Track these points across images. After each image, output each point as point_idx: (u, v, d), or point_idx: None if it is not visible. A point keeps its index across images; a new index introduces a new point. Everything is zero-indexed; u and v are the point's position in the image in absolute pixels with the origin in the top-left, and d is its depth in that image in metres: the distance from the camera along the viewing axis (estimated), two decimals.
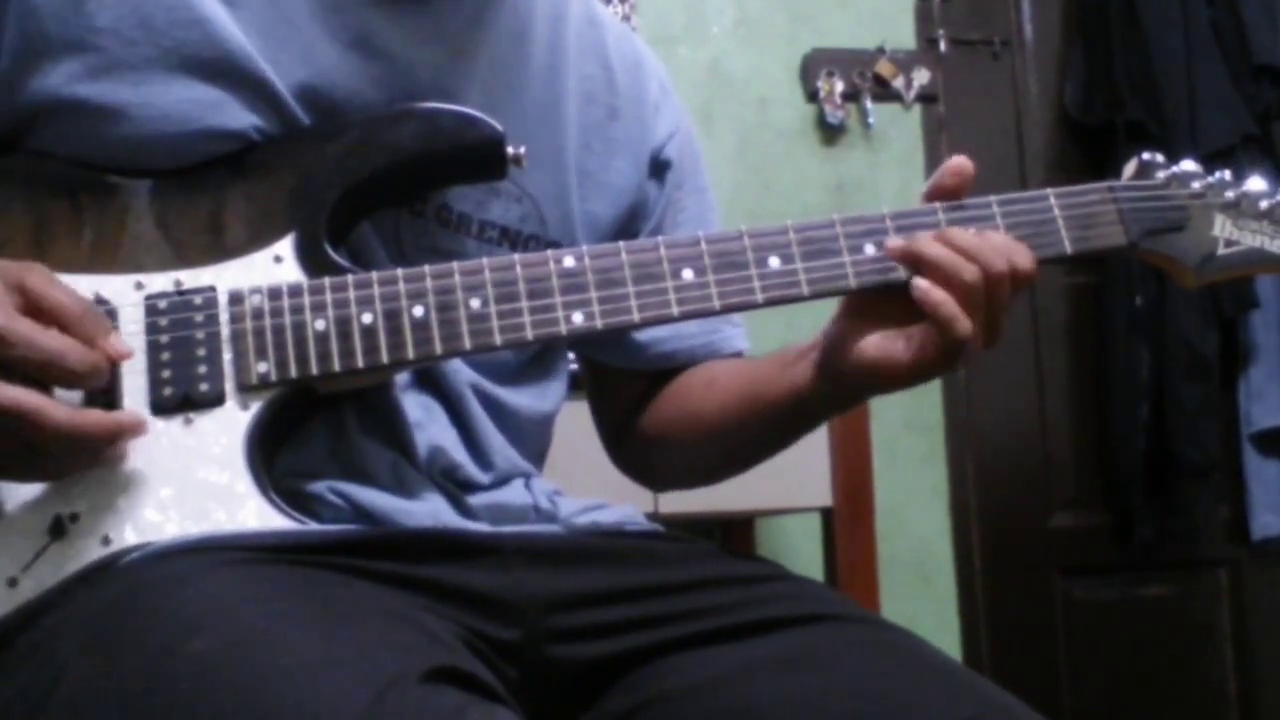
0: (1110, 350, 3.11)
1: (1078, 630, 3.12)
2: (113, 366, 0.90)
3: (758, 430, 1.13)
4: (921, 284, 0.98)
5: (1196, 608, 3.21)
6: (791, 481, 2.27)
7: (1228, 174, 1.10)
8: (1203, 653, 3.19)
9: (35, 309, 0.87)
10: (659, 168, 1.19)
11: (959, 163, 1.04)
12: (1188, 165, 1.10)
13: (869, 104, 3.08)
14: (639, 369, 1.21)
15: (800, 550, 2.74)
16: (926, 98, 3.14)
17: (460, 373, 1.05)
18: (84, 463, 0.89)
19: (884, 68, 3.09)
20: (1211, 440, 3.06)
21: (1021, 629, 3.09)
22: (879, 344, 1.01)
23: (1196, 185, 1.09)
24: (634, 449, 1.24)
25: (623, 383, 1.23)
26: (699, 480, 1.24)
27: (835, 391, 1.06)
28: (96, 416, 0.88)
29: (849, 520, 2.33)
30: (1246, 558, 3.22)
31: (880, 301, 1.02)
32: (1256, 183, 1.10)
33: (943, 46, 3.17)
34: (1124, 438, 3.07)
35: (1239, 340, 3.16)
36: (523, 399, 1.11)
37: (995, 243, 1.00)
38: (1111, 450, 3.11)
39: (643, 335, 1.18)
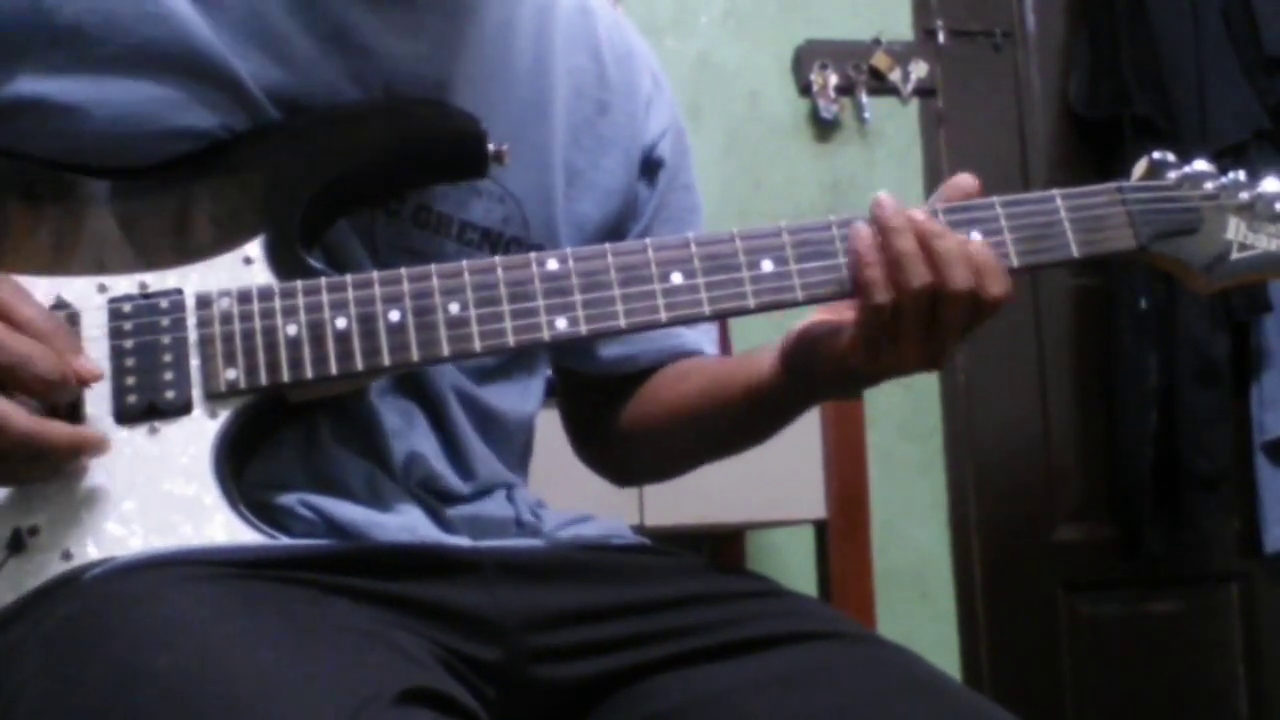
0: (1116, 355, 3.09)
1: (1083, 648, 3.10)
2: (79, 384, 0.89)
3: (718, 422, 1.13)
4: (861, 233, 0.98)
5: (1206, 624, 3.19)
6: (783, 492, 2.26)
7: (1242, 174, 1.08)
8: (1213, 671, 3.17)
9: (4, 320, 0.87)
10: (651, 167, 1.18)
11: (963, 182, 1.02)
12: (1200, 165, 1.08)
13: (864, 98, 3.05)
14: (604, 374, 1.19)
15: (793, 564, 2.70)
16: (924, 91, 3.11)
17: (443, 375, 1.03)
18: (40, 473, 0.88)
19: (880, 60, 3.07)
20: (1222, 449, 3.05)
21: (1024, 647, 3.07)
22: (824, 330, 1.01)
23: (1209, 186, 1.07)
24: (603, 445, 1.23)
25: (590, 383, 1.22)
26: (661, 473, 1.25)
27: (792, 384, 1.06)
28: (59, 428, 0.87)
29: (844, 533, 2.31)
30: (1259, 572, 3.21)
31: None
32: (1272, 184, 1.08)
33: (941, 38, 3.14)
34: (1131, 447, 3.05)
35: (1250, 345, 3.15)
36: (506, 400, 1.09)
37: (977, 260, 0.96)
38: (1118, 460, 3.09)
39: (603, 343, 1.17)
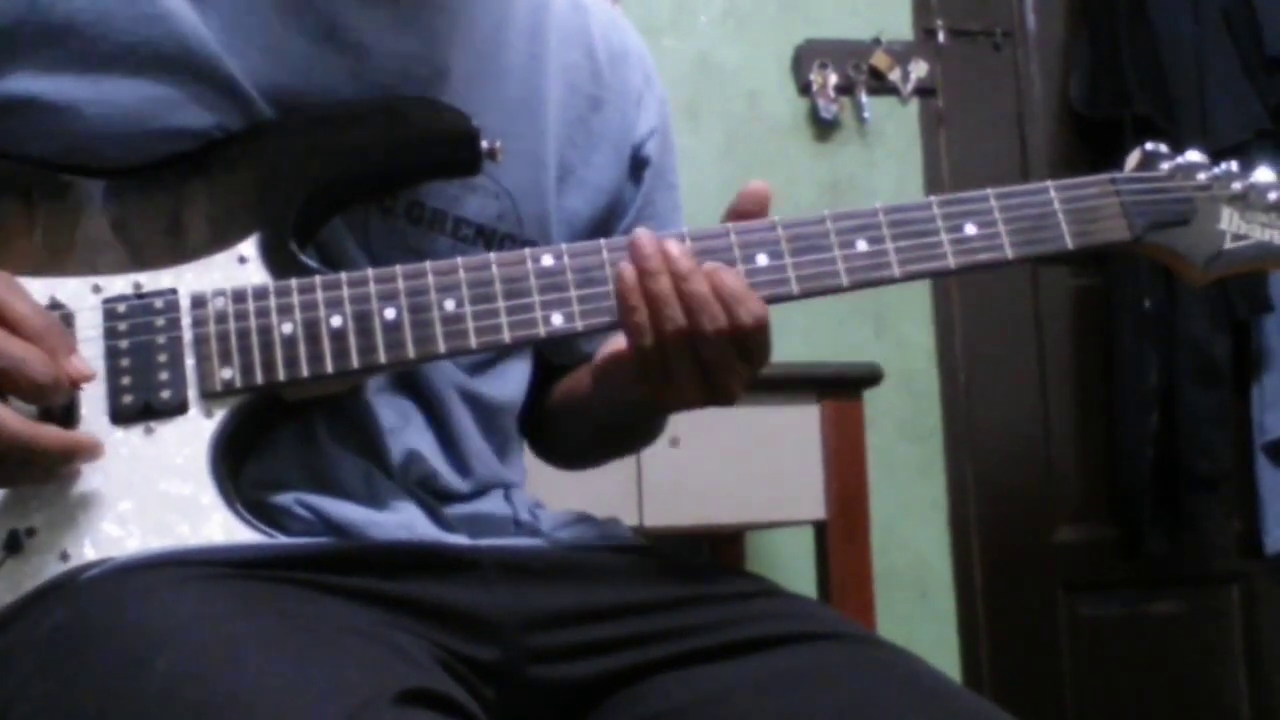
0: (1117, 355, 3.08)
1: (1083, 649, 3.08)
2: (73, 386, 0.89)
3: (575, 424, 1.16)
4: (625, 275, 0.95)
5: (1207, 625, 3.16)
6: (783, 493, 2.26)
7: (1234, 165, 1.08)
8: (1214, 672, 3.15)
9: None
10: (638, 165, 1.18)
11: (755, 189, 1.01)
12: (1193, 156, 1.08)
13: (864, 98, 3.04)
14: (577, 363, 1.19)
15: (792, 565, 2.68)
16: (924, 91, 3.10)
17: (440, 372, 1.03)
18: (34, 477, 0.88)
19: (880, 60, 3.06)
20: (1223, 450, 3.02)
21: (1024, 648, 3.05)
22: (621, 357, 1.00)
23: (1202, 177, 1.07)
24: (535, 424, 1.23)
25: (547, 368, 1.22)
26: (558, 459, 1.25)
27: (607, 402, 1.07)
28: (52, 432, 0.87)
29: (843, 534, 2.30)
30: (1259, 572, 3.18)
31: None
32: (1264, 174, 1.08)
33: (941, 37, 3.14)
34: (1131, 447, 3.03)
35: (1251, 345, 3.13)
36: (499, 388, 1.09)
37: (727, 294, 0.94)
38: (1118, 460, 3.07)
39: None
